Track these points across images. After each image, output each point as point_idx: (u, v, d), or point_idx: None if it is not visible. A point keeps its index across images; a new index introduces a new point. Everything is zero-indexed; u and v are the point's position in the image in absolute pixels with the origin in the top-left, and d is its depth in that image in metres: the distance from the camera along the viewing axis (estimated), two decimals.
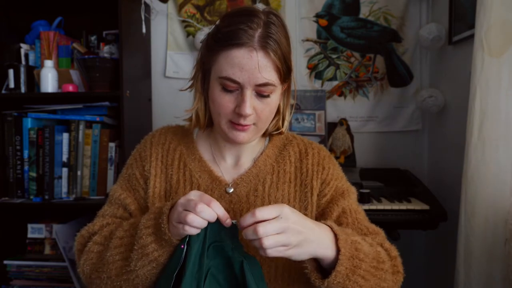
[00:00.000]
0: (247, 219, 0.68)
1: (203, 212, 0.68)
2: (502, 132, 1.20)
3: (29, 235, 1.75)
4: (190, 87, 0.91)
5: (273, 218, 0.68)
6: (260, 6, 2.05)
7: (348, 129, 1.89)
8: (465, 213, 1.27)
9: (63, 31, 1.87)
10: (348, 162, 1.85)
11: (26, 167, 1.72)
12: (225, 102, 0.80)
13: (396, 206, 1.49)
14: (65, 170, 1.71)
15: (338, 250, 0.74)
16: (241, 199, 0.89)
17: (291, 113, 0.93)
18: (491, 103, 1.21)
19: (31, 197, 1.71)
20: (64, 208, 1.80)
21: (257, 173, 0.91)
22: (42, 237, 1.75)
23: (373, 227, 0.91)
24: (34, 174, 1.71)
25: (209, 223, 0.70)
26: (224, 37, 0.78)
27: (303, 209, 0.90)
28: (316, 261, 0.77)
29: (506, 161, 1.19)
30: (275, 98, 0.83)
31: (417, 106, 1.96)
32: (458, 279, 1.30)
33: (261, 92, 0.80)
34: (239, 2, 2.06)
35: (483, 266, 1.23)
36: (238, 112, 0.80)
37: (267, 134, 0.94)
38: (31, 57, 1.84)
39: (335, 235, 0.76)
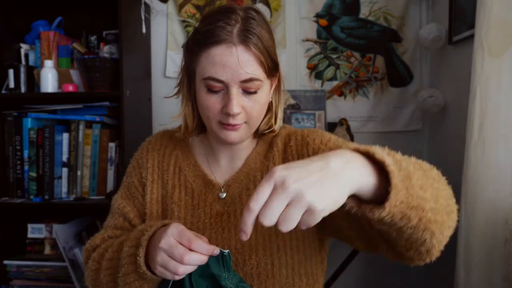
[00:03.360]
0: (245, 217, 0.52)
1: (191, 261, 0.67)
2: (502, 132, 1.20)
3: (29, 235, 1.75)
4: (176, 93, 0.89)
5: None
6: (259, 6, 2.05)
7: (348, 129, 1.89)
8: (465, 213, 1.27)
9: (63, 31, 1.87)
10: None
11: (26, 167, 1.72)
12: (211, 103, 0.78)
13: None
14: (65, 170, 1.71)
15: (377, 170, 0.57)
16: (234, 200, 0.88)
17: (283, 110, 0.91)
18: (491, 103, 1.21)
19: (31, 197, 1.71)
20: (64, 208, 1.80)
21: (247, 172, 0.89)
22: (42, 237, 1.75)
23: None
24: (34, 174, 1.71)
25: None
26: (202, 37, 0.77)
27: None
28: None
29: (506, 161, 1.19)
30: (264, 94, 0.81)
31: (417, 106, 1.96)
32: (458, 279, 1.30)
33: (247, 88, 0.77)
34: (238, 2, 2.06)
35: (483, 266, 1.23)
36: (226, 112, 0.77)
37: (259, 134, 0.91)
38: (31, 57, 1.84)
39: (365, 154, 0.59)
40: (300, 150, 0.87)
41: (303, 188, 0.51)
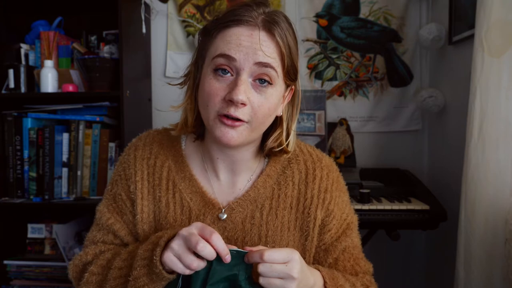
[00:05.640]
0: (255, 258, 0.67)
1: (205, 251, 0.65)
2: (502, 132, 1.20)
3: (29, 235, 1.75)
4: (181, 83, 0.82)
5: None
6: None
7: (348, 129, 1.89)
8: (465, 213, 1.27)
9: (63, 31, 1.87)
10: (348, 162, 1.85)
11: (26, 167, 1.72)
12: (214, 89, 0.70)
13: (396, 206, 1.49)
14: (65, 170, 1.71)
15: None
16: (236, 227, 0.81)
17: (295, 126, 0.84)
18: (491, 103, 1.21)
19: (31, 197, 1.71)
20: (64, 208, 1.80)
21: (255, 198, 0.82)
22: (42, 237, 1.75)
23: (364, 265, 0.89)
24: (34, 174, 1.71)
25: None
26: (222, 17, 0.72)
27: (303, 239, 0.84)
28: None
29: (506, 161, 1.19)
30: (275, 95, 0.73)
31: (417, 106, 1.96)
32: (458, 279, 1.30)
33: (260, 76, 0.70)
34: (238, 2, 2.06)
35: (483, 266, 1.23)
36: (229, 99, 0.69)
37: (266, 152, 0.83)
38: (31, 57, 1.84)
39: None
40: (323, 196, 0.84)
41: (295, 282, 0.68)
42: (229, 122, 0.71)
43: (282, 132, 0.81)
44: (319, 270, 0.79)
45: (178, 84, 0.83)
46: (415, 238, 2.03)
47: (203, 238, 0.66)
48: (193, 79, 0.79)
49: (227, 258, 0.67)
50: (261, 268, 0.67)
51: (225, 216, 0.81)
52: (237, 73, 0.71)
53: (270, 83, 0.72)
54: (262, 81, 0.72)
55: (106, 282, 0.77)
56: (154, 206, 0.83)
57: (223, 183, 0.85)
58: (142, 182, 0.83)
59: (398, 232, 1.50)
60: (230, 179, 0.85)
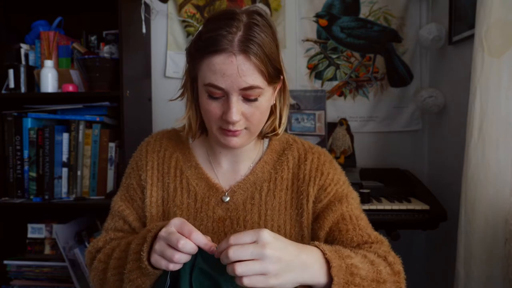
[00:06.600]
0: (222, 245, 0.65)
1: (186, 247, 0.67)
2: (502, 132, 1.20)
3: (29, 235, 1.75)
4: (181, 95, 0.89)
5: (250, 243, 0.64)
6: (260, 6, 2.05)
7: (348, 129, 1.89)
8: (465, 213, 1.27)
9: (63, 31, 1.87)
10: (348, 162, 1.85)
11: (26, 167, 1.72)
12: (212, 108, 0.79)
13: (396, 206, 1.49)
14: (65, 170, 1.71)
15: (331, 277, 0.69)
16: (238, 207, 0.89)
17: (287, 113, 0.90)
18: (491, 103, 1.21)
19: (31, 197, 1.71)
20: (64, 208, 1.80)
21: (254, 181, 0.91)
22: (42, 237, 1.75)
23: (376, 235, 0.87)
24: (34, 174, 1.71)
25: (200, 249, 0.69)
26: (204, 44, 0.77)
27: (299, 216, 0.89)
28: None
29: (506, 161, 1.19)
30: (265, 100, 0.81)
31: (417, 106, 1.96)
32: (458, 279, 1.30)
33: (247, 96, 0.78)
34: (238, 2, 2.06)
35: (483, 266, 1.23)
36: (225, 119, 0.78)
37: (263, 136, 0.92)
38: (31, 57, 1.84)
39: (328, 261, 0.70)
40: (314, 174, 0.90)
41: (273, 259, 0.63)
42: (230, 133, 0.81)
43: (275, 118, 0.89)
44: (314, 245, 0.73)
45: (179, 97, 0.90)
46: (415, 238, 2.03)
47: (183, 235, 0.68)
48: (191, 91, 0.87)
49: (212, 249, 0.68)
50: (231, 253, 0.62)
51: (228, 198, 0.90)
52: (227, 95, 0.77)
53: (258, 97, 0.79)
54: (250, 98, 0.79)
55: (108, 271, 0.83)
56: (163, 192, 0.92)
57: (225, 170, 0.93)
58: (152, 171, 0.93)
59: (398, 232, 1.51)
60: (232, 167, 0.93)
